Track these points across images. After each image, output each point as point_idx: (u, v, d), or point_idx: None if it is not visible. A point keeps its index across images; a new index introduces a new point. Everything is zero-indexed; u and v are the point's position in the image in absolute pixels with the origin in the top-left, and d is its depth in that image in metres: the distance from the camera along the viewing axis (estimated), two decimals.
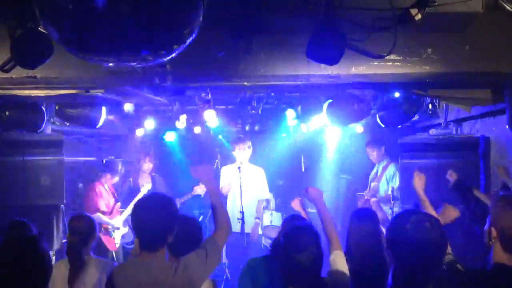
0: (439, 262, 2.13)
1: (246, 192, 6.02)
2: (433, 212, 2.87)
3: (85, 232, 3.44)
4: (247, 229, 5.97)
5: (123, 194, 6.51)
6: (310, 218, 3.80)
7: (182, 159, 8.32)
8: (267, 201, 6.44)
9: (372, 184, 6.22)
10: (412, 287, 2.09)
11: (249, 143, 6.22)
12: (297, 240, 2.47)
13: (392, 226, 2.18)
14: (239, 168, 6.00)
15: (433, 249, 2.06)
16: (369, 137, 6.87)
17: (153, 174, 6.86)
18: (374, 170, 6.49)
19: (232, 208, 6.04)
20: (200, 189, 6.52)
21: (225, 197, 6.21)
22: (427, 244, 2.04)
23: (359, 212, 3.53)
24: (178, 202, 6.73)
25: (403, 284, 2.11)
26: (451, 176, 4.13)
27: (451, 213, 3.10)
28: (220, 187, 6.22)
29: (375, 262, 2.99)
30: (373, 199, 5.62)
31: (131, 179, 6.56)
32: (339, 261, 2.72)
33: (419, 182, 3.26)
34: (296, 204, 4.04)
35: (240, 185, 5.91)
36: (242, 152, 6.13)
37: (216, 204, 2.86)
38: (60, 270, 3.27)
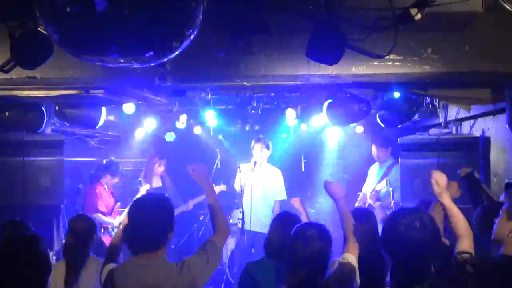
0: (432, 260, 2.13)
1: (256, 191, 6.04)
2: (462, 222, 2.45)
3: (84, 233, 3.44)
4: (249, 227, 5.96)
5: (133, 194, 6.43)
6: (310, 218, 3.80)
7: (182, 159, 8.30)
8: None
9: (377, 186, 6.07)
10: (409, 286, 2.10)
11: (266, 144, 6.26)
12: (305, 235, 2.50)
13: (385, 226, 2.18)
14: (253, 167, 6.08)
15: (424, 247, 2.06)
16: (376, 136, 6.45)
17: (163, 174, 6.89)
18: (375, 169, 6.36)
19: (245, 207, 6.07)
20: (219, 189, 6.59)
21: (240, 195, 6.31)
22: (417, 243, 2.04)
23: (358, 211, 3.53)
24: (191, 203, 6.75)
25: (400, 283, 2.11)
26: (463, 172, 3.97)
27: (454, 188, 2.89)
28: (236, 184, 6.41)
29: (375, 261, 2.99)
30: (377, 203, 5.57)
31: (142, 179, 6.53)
32: (348, 265, 2.65)
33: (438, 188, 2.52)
34: (296, 202, 4.01)
35: (249, 184, 5.96)
36: (259, 152, 6.18)
37: (213, 205, 2.79)
38: (58, 271, 3.27)
